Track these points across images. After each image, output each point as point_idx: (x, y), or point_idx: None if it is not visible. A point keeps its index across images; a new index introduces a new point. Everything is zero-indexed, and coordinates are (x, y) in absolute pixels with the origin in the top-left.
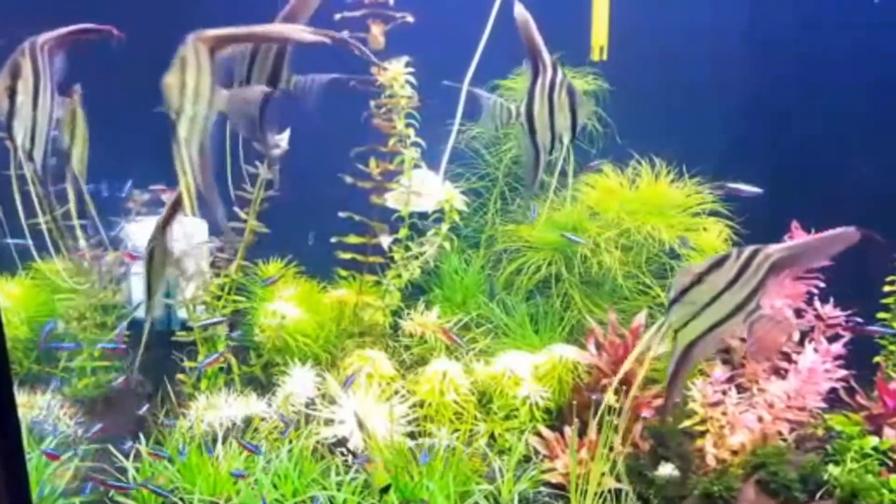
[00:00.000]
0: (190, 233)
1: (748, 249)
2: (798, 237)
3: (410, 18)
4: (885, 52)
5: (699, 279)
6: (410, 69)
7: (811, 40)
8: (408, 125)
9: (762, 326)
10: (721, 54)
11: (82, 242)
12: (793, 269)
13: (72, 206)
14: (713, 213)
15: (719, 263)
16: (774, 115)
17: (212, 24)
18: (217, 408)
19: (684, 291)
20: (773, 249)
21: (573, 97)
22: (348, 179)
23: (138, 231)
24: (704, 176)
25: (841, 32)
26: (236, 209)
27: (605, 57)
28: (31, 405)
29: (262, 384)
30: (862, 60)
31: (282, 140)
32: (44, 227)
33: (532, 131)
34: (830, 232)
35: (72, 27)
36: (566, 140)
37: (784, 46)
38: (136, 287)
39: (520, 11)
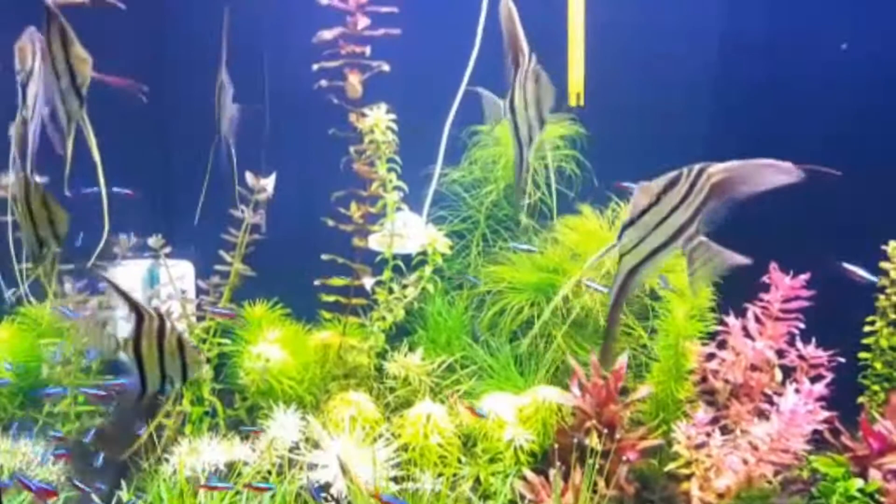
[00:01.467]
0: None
1: (696, 167)
2: (777, 280)
3: (386, 68)
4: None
5: (657, 199)
6: (392, 115)
7: (794, 79)
8: (389, 169)
9: (701, 254)
10: (698, 98)
11: (68, 287)
12: (733, 194)
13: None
14: None
15: (674, 182)
16: (755, 153)
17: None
18: (200, 452)
19: (643, 212)
20: (715, 169)
21: (538, 82)
22: (330, 223)
23: (123, 275)
24: None
25: (823, 64)
26: (221, 252)
27: (581, 103)
28: (14, 451)
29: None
30: (846, 96)
31: (267, 184)
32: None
33: (515, 125)
34: (767, 160)
35: None
36: (536, 132)
37: (765, 88)
38: (122, 331)
39: (505, 2)
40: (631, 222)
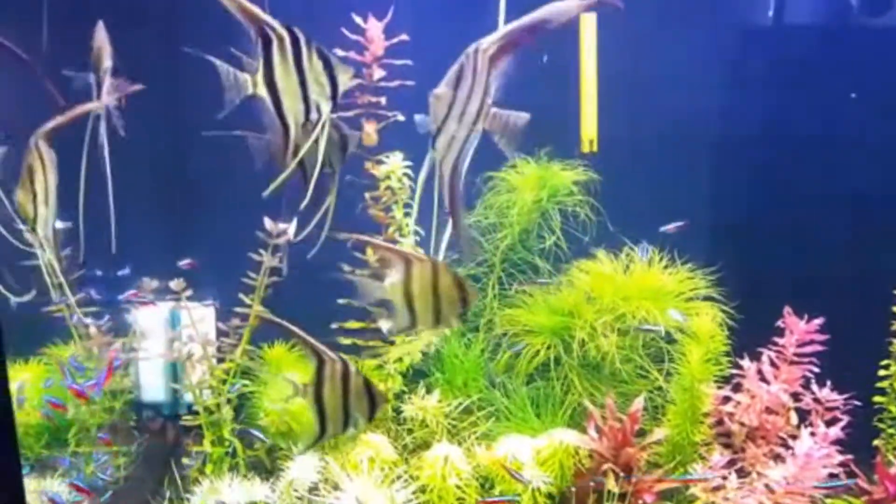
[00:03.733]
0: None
1: (470, 50)
2: (791, 324)
3: (401, 118)
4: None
5: (453, 99)
6: (407, 162)
7: (803, 124)
8: (406, 214)
9: (498, 123)
10: (710, 143)
11: (92, 329)
12: (507, 56)
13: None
14: (707, 298)
15: (460, 76)
16: (766, 200)
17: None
18: (220, 493)
19: (445, 119)
20: (486, 44)
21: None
22: (346, 267)
23: (145, 318)
24: (696, 263)
25: (837, 114)
26: (241, 295)
27: (594, 149)
28: (40, 491)
29: (267, 469)
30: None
31: (288, 229)
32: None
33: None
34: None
35: None
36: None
37: (775, 130)
38: (144, 372)
39: None
40: (439, 131)
